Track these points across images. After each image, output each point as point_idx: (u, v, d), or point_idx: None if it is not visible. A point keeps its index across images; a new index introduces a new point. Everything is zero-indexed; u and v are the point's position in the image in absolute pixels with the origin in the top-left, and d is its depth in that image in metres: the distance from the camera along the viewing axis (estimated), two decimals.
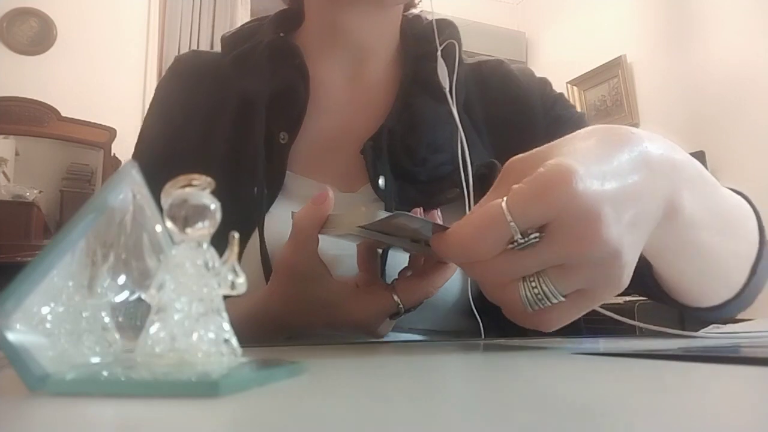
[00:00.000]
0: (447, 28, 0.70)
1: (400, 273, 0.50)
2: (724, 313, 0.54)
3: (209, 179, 0.25)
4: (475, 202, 0.56)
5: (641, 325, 0.50)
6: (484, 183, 0.60)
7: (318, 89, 0.67)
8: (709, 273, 0.50)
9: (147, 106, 0.75)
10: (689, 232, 0.43)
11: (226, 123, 0.66)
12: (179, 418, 0.18)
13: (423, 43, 0.70)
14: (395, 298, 0.46)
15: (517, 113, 0.69)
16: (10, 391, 0.22)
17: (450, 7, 4.16)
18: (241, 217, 0.58)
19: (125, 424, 0.18)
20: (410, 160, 0.61)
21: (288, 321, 0.51)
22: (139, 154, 0.69)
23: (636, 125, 3.66)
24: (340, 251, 0.53)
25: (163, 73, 0.76)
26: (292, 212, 0.47)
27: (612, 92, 3.83)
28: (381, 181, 0.60)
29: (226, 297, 0.25)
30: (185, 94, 0.70)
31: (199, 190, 0.25)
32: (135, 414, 0.18)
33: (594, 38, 3.87)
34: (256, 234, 0.59)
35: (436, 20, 0.70)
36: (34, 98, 2.98)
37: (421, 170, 0.61)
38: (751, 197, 0.56)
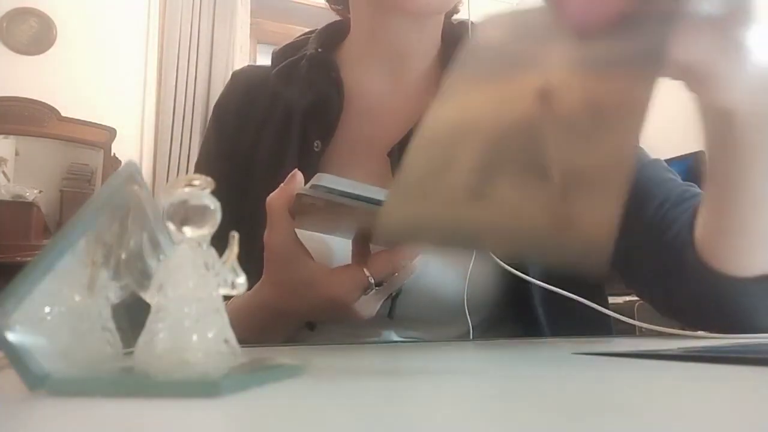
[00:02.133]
0: None
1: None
2: (756, 295, 0.48)
3: (209, 179, 0.25)
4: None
5: (641, 324, 0.50)
6: None
7: (353, 97, 0.70)
8: (762, 224, 0.45)
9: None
10: (747, 136, 0.41)
11: (271, 132, 0.70)
12: (179, 418, 0.18)
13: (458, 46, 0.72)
14: (365, 271, 0.49)
15: None
16: (10, 391, 0.22)
17: None
18: None
19: (125, 425, 0.18)
20: None
21: (277, 306, 0.53)
22: (200, 163, 0.75)
23: None
24: (337, 251, 0.56)
25: (220, 86, 0.82)
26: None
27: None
28: None
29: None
30: (239, 107, 0.74)
31: (199, 190, 0.25)
32: (135, 414, 0.18)
33: None
34: None
35: (464, 22, 0.72)
36: (34, 98, 2.98)
37: None
38: None
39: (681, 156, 3.39)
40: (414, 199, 0.29)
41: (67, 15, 3.21)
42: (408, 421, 0.17)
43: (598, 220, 0.24)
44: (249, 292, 0.52)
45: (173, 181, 0.25)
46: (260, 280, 0.54)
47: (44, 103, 2.98)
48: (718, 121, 0.42)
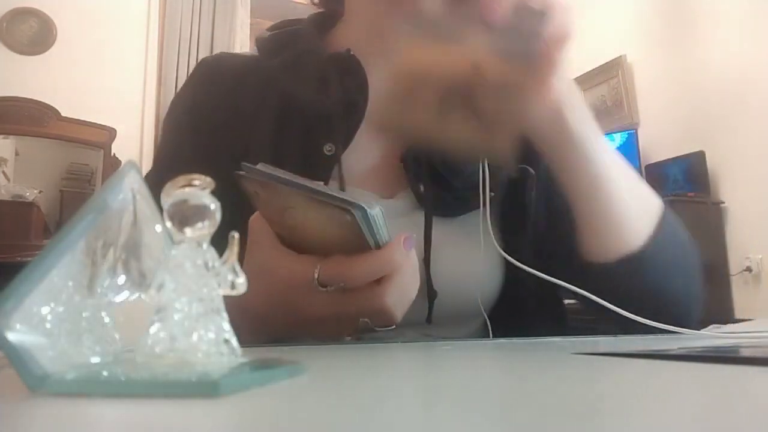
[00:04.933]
0: None
1: None
2: (626, 272, 0.58)
3: (209, 179, 0.25)
4: (508, 205, 0.65)
5: (643, 321, 0.50)
6: (517, 187, 0.65)
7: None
8: (616, 216, 0.58)
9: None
10: (597, 167, 0.56)
11: (266, 130, 0.65)
12: (179, 418, 0.18)
13: None
14: (316, 266, 0.46)
15: None
16: (10, 391, 0.22)
17: None
18: None
19: (125, 424, 0.18)
20: (446, 170, 0.64)
21: (250, 301, 0.51)
22: (167, 159, 0.69)
23: (636, 125, 3.66)
24: None
25: (190, 76, 0.75)
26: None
27: (612, 92, 3.83)
28: (422, 188, 0.64)
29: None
30: (223, 99, 0.68)
31: (199, 190, 0.25)
32: (135, 414, 0.18)
33: (594, 38, 3.87)
34: None
35: None
36: (34, 98, 2.98)
37: (455, 179, 0.64)
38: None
39: (681, 156, 3.40)
40: (402, 111, 0.49)
41: (67, 15, 3.21)
42: (408, 420, 0.17)
43: (503, 143, 0.48)
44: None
45: (173, 181, 0.25)
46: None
47: (44, 103, 2.99)
48: (565, 140, 0.55)
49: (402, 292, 0.48)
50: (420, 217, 0.62)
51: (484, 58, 0.46)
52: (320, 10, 0.76)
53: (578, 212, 0.59)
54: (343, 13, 0.72)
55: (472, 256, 0.62)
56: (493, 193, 0.63)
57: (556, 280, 0.56)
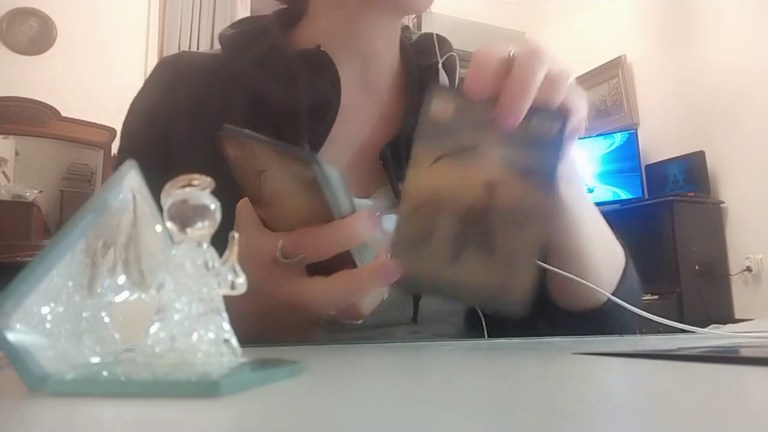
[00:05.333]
0: (444, 43, 0.72)
1: None
2: (588, 319, 0.60)
3: (209, 179, 0.25)
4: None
5: (646, 315, 0.50)
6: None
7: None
8: (588, 270, 0.57)
9: None
10: (578, 226, 0.55)
11: (236, 120, 0.62)
12: (179, 418, 0.18)
13: (422, 56, 0.72)
14: (279, 239, 0.44)
15: None
16: (10, 391, 0.22)
17: (449, 7, 4.17)
18: None
19: (125, 424, 0.18)
20: None
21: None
22: (130, 153, 0.63)
23: (636, 125, 3.66)
24: None
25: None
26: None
27: (612, 92, 3.83)
28: (400, 185, 0.62)
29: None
30: (186, 99, 0.65)
31: (199, 190, 0.25)
32: (135, 414, 0.18)
33: (594, 38, 3.87)
34: None
35: (429, 35, 0.72)
36: (34, 98, 2.98)
37: None
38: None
39: (681, 156, 3.40)
40: (410, 257, 0.41)
41: (67, 15, 3.22)
42: (408, 421, 0.17)
43: (522, 283, 0.40)
44: None
45: (173, 181, 0.25)
46: None
47: (44, 103, 2.99)
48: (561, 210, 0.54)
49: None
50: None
51: (499, 176, 0.41)
52: (284, 6, 0.73)
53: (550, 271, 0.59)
54: (307, 9, 0.70)
55: None
56: None
57: (548, 267, 0.54)
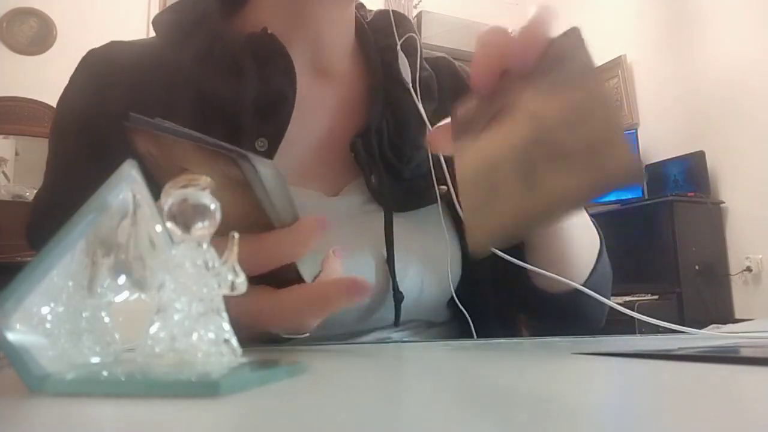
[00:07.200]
0: (402, 20, 0.68)
1: None
2: (566, 301, 0.59)
3: (209, 179, 0.25)
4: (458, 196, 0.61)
5: (643, 318, 0.50)
6: None
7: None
8: (570, 248, 0.58)
9: None
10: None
11: (181, 119, 0.58)
12: (179, 418, 0.18)
13: (379, 36, 0.67)
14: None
15: None
16: (10, 391, 0.22)
17: (448, 7, 4.16)
18: None
19: (125, 424, 0.18)
20: (397, 158, 0.61)
21: None
22: (61, 176, 0.60)
23: (636, 125, 3.66)
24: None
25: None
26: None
27: (612, 92, 3.83)
28: (374, 179, 0.59)
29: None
30: (119, 95, 0.58)
31: (199, 190, 0.25)
32: (135, 414, 0.18)
33: (594, 38, 3.86)
34: None
35: (386, 11, 0.68)
36: (34, 98, 2.98)
37: (404, 168, 0.61)
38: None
39: (681, 156, 3.40)
40: (486, 215, 0.39)
41: (67, 15, 3.22)
42: (407, 421, 0.17)
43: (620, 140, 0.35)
44: None
45: (173, 181, 0.25)
46: None
47: (44, 103, 2.98)
48: None
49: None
50: (374, 214, 0.58)
51: (541, 102, 0.40)
52: None
53: (532, 251, 0.59)
54: None
55: (437, 254, 0.59)
56: (444, 188, 0.59)
57: (524, 264, 0.54)
